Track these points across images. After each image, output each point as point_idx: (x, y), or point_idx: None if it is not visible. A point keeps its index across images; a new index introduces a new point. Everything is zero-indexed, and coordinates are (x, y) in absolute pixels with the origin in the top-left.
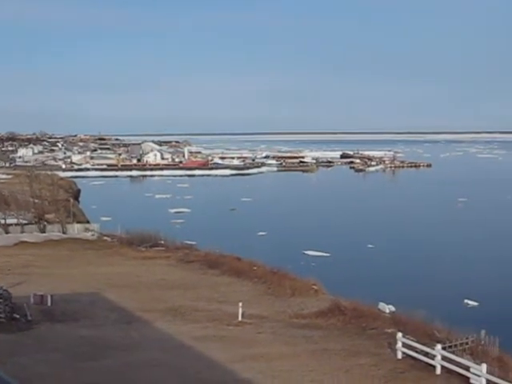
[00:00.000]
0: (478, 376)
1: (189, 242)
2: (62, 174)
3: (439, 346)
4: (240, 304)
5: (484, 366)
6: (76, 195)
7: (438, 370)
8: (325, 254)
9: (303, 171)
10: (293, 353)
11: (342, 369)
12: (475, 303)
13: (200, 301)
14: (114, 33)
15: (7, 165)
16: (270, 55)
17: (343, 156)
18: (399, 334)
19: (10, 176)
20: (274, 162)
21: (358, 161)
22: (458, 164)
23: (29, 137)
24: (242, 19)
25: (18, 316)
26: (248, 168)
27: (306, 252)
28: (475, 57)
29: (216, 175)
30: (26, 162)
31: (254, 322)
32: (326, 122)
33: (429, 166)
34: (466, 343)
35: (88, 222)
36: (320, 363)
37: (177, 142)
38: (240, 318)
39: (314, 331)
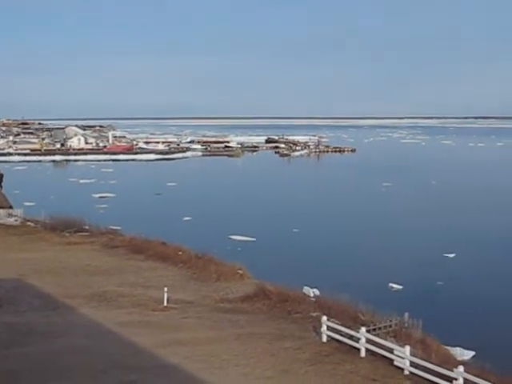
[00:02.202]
0: (402, 358)
1: (113, 227)
2: None
3: (363, 329)
4: (165, 289)
5: (407, 348)
6: None
7: (363, 353)
8: (250, 239)
9: (228, 156)
10: (218, 337)
11: (268, 353)
12: (399, 287)
13: (125, 286)
14: (35, 12)
15: None
16: (197, 41)
17: (268, 141)
18: (324, 318)
19: None
20: (199, 146)
21: (283, 146)
22: (382, 149)
23: None
24: (167, 3)
25: None
26: (173, 153)
27: (231, 237)
28: (398, 44)
29: (141, 160)
30: None
31: (179, 306)
32: (251, 107)
33: (353, 150)
34: (390, 326)
35: (11, 207)
36: (245, 347)
37: (101, 126)
38: (165, 303)
39: (239, 316)
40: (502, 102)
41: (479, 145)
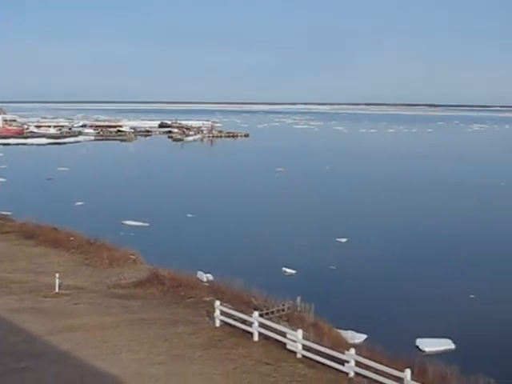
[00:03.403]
0: (294, 341)
1: (4, 213)
2: None
3: (256, 314)
4: (57, 275)
5: (300, 332)
6: None
7: (256, 337)
8: (144, 224)
9: (121, 140)
10: (111, 323)
11: (161, 338)
12: (292, 271)
13: (16, 272)
14: None
15: None
16: (89, 22)
17: (161, 125)
18: (217, 302)
19: None
20: (91, 130)
21: (176, 130)
22: (276, 134)
23: None
24: None
25: None
26: (65, 137)
27: (124, 222)
28: (292, 31)
29: (32, 144)
30: None
31: (71, 292)
32: (144, 92)
33: (246, 136)
34: (283, 310)
35: None
36: (138, 333)
37: None
38: (57, 290)
39: (132, 301)
40: (394, 88)
41: (371, 131)
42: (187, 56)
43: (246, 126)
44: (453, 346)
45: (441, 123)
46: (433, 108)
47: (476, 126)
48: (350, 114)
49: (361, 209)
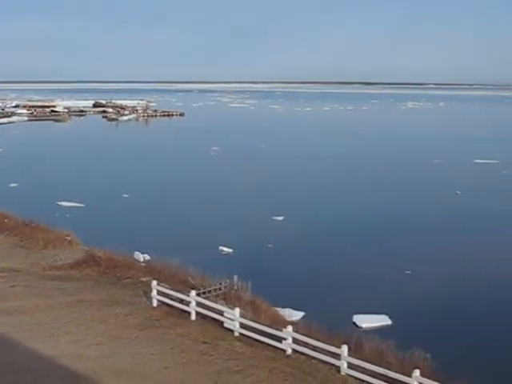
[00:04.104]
0: (232, 320)
1: None
2: None
3: (193, 293)
4: None
5: (237, 310)
6: None
7: (193, 316)
8: (79, 205)
9: (55, 121)
10: (47, 305)
11: (98, 319)
12: (229, 250)
13: None
14: None
15: None
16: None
17: (96, 105)
18: (154, 282)
19: None
20: (24, 111)
21: (110, 110)
22: (211, 113)
23: None
24: None
25: None
26: None
27: (59, 203)
28: (228, 9)
29: None
30: None
31: (6, 275)
32: (78, 72)
33: (181, 115)
34: (220, 289)
35: None
36: (75, 315)
37: None
38: None
39: (68, 283)
40: (329, 66)
41: (306, 109)
42: (122, 35)
43: (181, 105)
44: (389, 322)
45: (375, 101)
46: (368, 86)
47: (410, 104)
48: (286, 92)
49: (296, 187)
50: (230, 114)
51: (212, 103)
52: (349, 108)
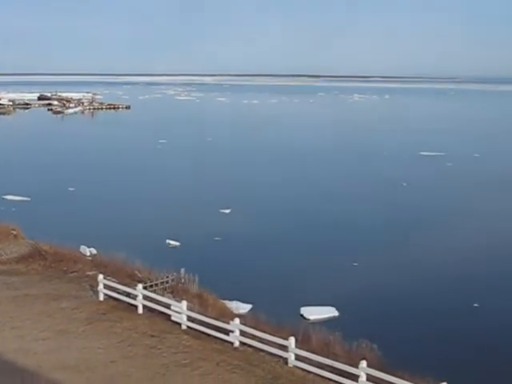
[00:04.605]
0: (179, 313)
1: None
2: None
3: (140, 286)
4: None
5: (184, 303)
6: None
7: (140, 310)
8: (25, 198)
9: None
10: None
11: (44, 313)
12: (176, 243)
13: None
14: None
15: None
16: None
17: (41, 98)
18: (100, 276)
19: None
20: None
21: (56, 103)
22: (157, 106)
23: None
24: None
25: None
26: None
27: (4, 197)
28: (175, 1)
29: None
30: None
31: None
32: (24, 64)
33: (128, 107)
34: (167, 282)
35: None
36: (22, 309)
37: None
38: None
39: (14, 277)
40: (278, 59)
41: (253, 102)
42: (69, 26)
43: (127, 97)
44: (336, 314)
45: (322, 94)
46: (315, 79)
47: (356, 97)
48: (233, 85)
49: (244, 180)
50: (177, 107)
51: (159, 96)
52: (295, 101)
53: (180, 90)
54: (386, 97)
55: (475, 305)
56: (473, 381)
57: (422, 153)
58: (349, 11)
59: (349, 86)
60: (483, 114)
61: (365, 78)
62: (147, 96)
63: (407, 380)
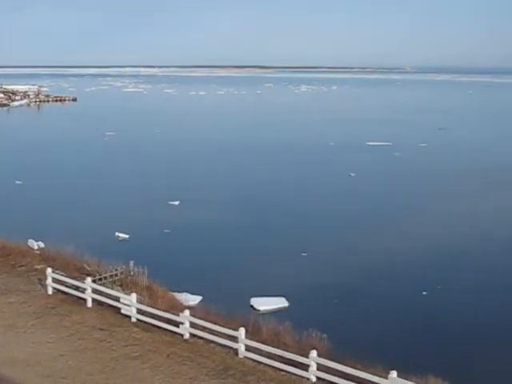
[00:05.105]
0: (129, 306)
1: None
2: None
3: (89, 279)
4: None
5: (134, 296)
6: None
7: (89, 303)
8: None
9: None
10: None
11: None
12: (126, 236)
13: None
14: None
15: None
16: None
17: None
18: (49, 270)
19: None
20: None
21: (1, 95)
22: (104, 98)
23: None
24: None
25: None
26: None
27: None
28: None
29: None
30: None
31: None
32: None
33: (74, 100)
34: (116, 275)
35: None
36: None
37: None
38: None
39: None
40: (225, 50)
41: (201, 93)
42: (14, 17)
43: (73, 89)
44: (286, 304)
45: (269, 84)
46: (263, 70)
47: (304, 87)
48: (180, 76)
49: (192, 171)
50: (124, 99)
51: (106, 88)
52: (243, 92)
53: (127, 81)
54: (334, 87)
55: (424, 293)
56: (422, 368)
57: (369, 143)
58: (299, 3)
59: (297, 76)
60: (429, 104)
61: (312, 68)
62: (94, 88)
63: (358, 369)
